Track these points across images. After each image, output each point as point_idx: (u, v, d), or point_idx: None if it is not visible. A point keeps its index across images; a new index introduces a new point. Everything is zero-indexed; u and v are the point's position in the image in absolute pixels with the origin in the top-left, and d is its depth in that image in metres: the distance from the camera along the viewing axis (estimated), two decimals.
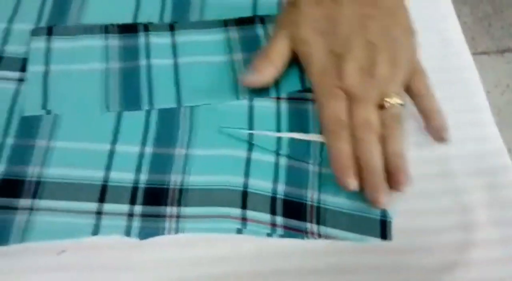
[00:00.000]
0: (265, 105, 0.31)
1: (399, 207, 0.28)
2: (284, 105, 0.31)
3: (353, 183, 0.27)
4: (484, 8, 1.26)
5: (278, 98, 0.32)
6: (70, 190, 0.28)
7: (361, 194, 0.28)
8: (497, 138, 0.32)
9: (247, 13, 0.34)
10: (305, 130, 0.31)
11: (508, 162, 0.31)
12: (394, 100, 0.28)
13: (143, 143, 0.30)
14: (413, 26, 0.31)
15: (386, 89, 0.28)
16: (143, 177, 0.29)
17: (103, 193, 0.28)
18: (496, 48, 1.19)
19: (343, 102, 0.28)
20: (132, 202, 0.28)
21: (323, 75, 0.29)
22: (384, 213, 0.28)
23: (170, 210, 0.28)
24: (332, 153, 0.28)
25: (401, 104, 0.29)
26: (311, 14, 0.30)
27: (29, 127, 0.30)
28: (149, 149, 0.30)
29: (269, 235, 0.28)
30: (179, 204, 0.28)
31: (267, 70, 0.30)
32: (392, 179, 0.27)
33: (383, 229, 0.28)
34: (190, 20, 0.34)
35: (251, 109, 0.31)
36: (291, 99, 0.32)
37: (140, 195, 0.28)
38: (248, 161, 0.30)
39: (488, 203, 0.29)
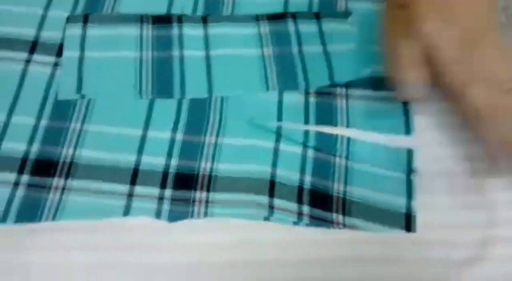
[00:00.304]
0: (293, 98, 0.32)
1: (424, 202, 0.29)
2: (312, 99, 0.32)
3: None
4: None
5: (307, 92, 0.32)
6: (103, 172, 0.29)
7: (387, 188, 0.29)
8: None
9: (278, 10, 0.35)
10: (332, 124, 0.31)
11: None
12: None
13: (174, 130, 0.31)
14: None
15: None
16: (174, 162, 0.30)
17: (134, 176, 0.29)
18: None
19: None
20: (163, 186, 0.29)
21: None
22: (409, 207, 0.29)
23: (199, 195, 0.29)
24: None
25: None
26: None
27: (63, 110, 0.31)
28: (179, 136, 0.30)
29: (295, 223, 0.28)
30: (208, 189, 0.29)
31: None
32: None
33: (408, 223, 0.28)
34: (222, 15, 0.35)
35: (280, 102, 0.32)
36: (319, 93, 0.32)
37: (170, 180, 0.29)
38: (276, 152, 0.30)
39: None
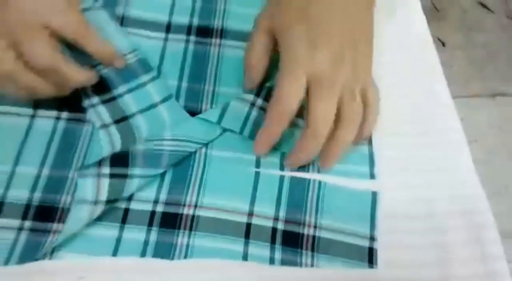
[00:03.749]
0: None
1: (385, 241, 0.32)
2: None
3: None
4: (478, 53, 1.33)
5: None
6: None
7: (354, 227, 0.32)
8: (477, 184, 0.36)
9: None
10: (305, 169, 0.35)
11: (486, 205, 0.35)
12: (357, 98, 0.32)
13: (158, 190, 0.34)
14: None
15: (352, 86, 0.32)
16: (159, 208, 0.33)
17: (124, 217, 0.32)
18: (488, 92, 1.25)
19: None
20: (150, 224, 0.32)
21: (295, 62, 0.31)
22: (372, 242, 0.32)
23: (181, 235, 0.32)
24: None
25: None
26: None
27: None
28: (168, 177, 0.34)
29: (270, 263, 0.32)
30: (191, 228, 0.32)
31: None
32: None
33: (370, 256, 0.32)
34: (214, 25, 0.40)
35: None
36: None
37: (156, 220, 0.32)
38: (254, 190, 0.34)
39: (466, 241, 0.33)
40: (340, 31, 0.31)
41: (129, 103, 0.36)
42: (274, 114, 0.31)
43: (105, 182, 0.31)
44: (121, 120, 0.35)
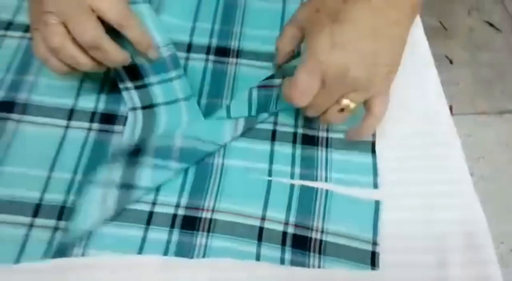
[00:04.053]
0: (284, 153, 0.39)
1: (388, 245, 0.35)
2: (297, 154, 0.39)
3: None
4: (485, 71, 1.36)
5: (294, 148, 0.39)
6: (123, 216, 0.36)
7: (358, 233, 0.35)
8: (478, 207, 0.38)
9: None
10: (313, 179, 0.38)
11: (481, 215, 0.37)
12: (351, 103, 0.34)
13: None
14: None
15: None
16: (180, 212, 0.36)
17: (149, 219, 0.36)
18: (495, 109, 1.27)
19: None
20: (172, 226, 0.35)
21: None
22: (375, 247, 0.35)
23: (200, 236, 0.35)
24: None
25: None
26: None
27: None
28: (189, 180, 0.37)
29: (281, 263, 0.35)
30: (209, 230, 0.35)
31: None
32: None
33: (373, 259, 0.35)
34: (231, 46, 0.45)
35: (272, 152, 0.39)
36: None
37: (177, 222, 0.36)
38: (267, 195, 0.37)
39: (463, 246, 0.36)
40: (364, 40, 0.32)
41: (157, 93, 0.39)
42: (285, 97, 0.35)
43: (119, 167, 0.36)
44: (148, 107, 0.39)
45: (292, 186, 0.38)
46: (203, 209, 0.36)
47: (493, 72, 1.35)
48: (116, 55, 0.35)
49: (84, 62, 0.34)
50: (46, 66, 0.35)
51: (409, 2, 0.34)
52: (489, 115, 1.26)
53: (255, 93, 0.40)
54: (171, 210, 0.36)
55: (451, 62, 1.37)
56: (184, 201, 0.37)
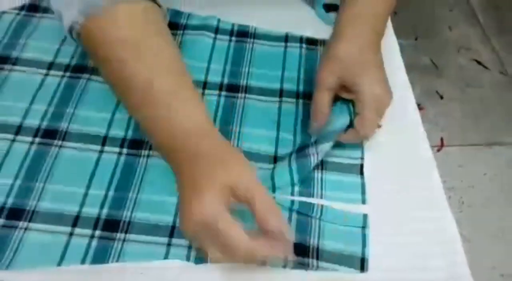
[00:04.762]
0: (284, 176, 0.45)
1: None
2: (296, 177, 0.45)
3: None
4: (474, 105, 1.44)
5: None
6: (149, 228, 0.42)
7: (348, 240, 0.41)
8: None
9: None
10: (310, 195, 0.45)
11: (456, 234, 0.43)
12: None
13: None
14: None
15: None
16: None
17: (172, 231, 0.42)
18: (484, 141, 1.34)
19: None
20: None
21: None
22: (363, 253, 0.41)
23: None
24: None
25: None
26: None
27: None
28: None
29: (283, 267, 0.41)
30: None
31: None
32: None
33: (362, 264, 0.41)
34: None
35: (273, 178, 0.45)
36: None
37: None
38: None
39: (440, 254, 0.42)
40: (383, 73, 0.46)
41: None
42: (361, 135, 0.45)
43: None
44: None
45: (292, 202, 0.44)
46: None
47: (482, 107, 1.44)
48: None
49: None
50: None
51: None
52: (478, 147, 1.33)
53: (294, 164, 0.45)
54: None
55: (441, 97, 1.46)
56: None
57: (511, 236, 1.15)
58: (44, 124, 0.48)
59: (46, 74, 0.52)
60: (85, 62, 0.53)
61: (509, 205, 1.20)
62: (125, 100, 0.42)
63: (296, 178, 0.45)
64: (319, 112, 0.46)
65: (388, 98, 0.45)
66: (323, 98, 0.45)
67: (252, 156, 0.47)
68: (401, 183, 0.46)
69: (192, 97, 0.41)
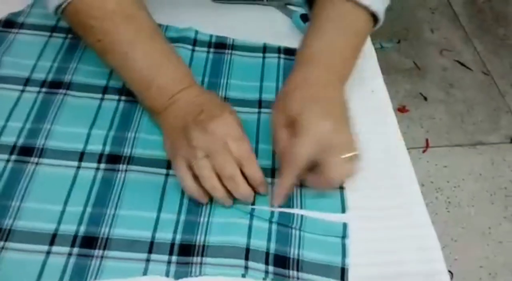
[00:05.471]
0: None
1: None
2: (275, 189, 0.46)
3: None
4: (458, 106, 1.46)
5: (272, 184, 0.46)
6: (127, 244, 0.41)
7: (328, 250, 0.41)
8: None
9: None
10: (290, 206, 0.45)
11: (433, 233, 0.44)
12: None
13: (179, 212, 0.44)
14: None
15: None
16: (178, 236, 0.42)
17: (151, 247, 0.42)
18: (468, 141, 1.36)
19: None
20: (170, 253, 0.41)
21: None
22: (343, 263, 0.41)
23: (196, 259, 0.41)
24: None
25: None
26: None
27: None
28: (182, 217, 0.43)
29: (264, 278, 0.40)
30: (202, 255, 0.41)
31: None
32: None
33: (342, 274, 0.41)
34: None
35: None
36: None
37: (176, 249, 0.42)
38: (250, 227, 0.43)
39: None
40: (333, 113, 0.44)
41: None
42: (289, 168, 0.42)
43: None
44: None
45: (272, 213, 0.44)
46: (196, 240, 0.42)
47: (465, 108, 1.46)
48: (245, 189, 0.43)
49: (220, 191, 0.42)
50: (183, 187, 0.44)
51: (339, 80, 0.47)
52: (463, 147, 1.35)
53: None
54: (169, 240, 0.42)
55: (425, 99, 1.47)
56: (179, 236, 0.42)
57: (498, 234, 1.16)
58: (21, 141, 0.47)
59: (22, 91, 0.51)
60: (61, 78, 0.52)
61: (495, 203, 1.22)
62: (108, 62, 0.49)
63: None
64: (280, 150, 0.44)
65: (336, 134, 0.42)
66: (282, 135, 0.44)
67: None
68: (379, 189, 0.46)
69: (177, 60, 0.49)
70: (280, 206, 0.45)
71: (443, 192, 1.23)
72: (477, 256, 1.12)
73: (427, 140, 1.33)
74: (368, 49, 0.58)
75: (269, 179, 0.47)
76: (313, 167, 0.43)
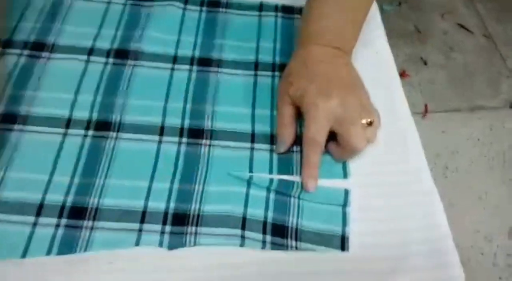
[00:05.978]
0: (262, 154, 0.43)
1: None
2: (275, 155, 0.43)
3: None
4: (458, 71, 1.42)
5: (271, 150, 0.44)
6: (118, 214, 0.39)
7: (328, 218, 0.40)
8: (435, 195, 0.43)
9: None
10: (290, 173, 0.43)
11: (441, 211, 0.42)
12: None
13: (172, 181, 0.41)
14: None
15: None
16: (172, 205, 0.40)
17: (143, 217, 0.40)
18: (467, 106, 1.33)
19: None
20: (164, 223, 0.39)
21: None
22: (344, 232, 0.40)
23: (190, 229, 0.39)
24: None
25: None
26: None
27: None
28: (176, 185, 0.41)
29: (262, 248, 0.39)
30: (197, 224, 0.39)
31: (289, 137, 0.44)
32: None
33: (343, 243, 0.39)
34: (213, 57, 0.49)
35: (251, 157, 0.43)
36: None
37: (169, 218, 0.40)
38: (247, 195, 0.41)
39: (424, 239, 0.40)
40: (340, 85, 0.43)
41: None
42: (310, 147, 0.41)
43: None
44: None
45: (271, 180, 0.42)
46: (190, 213, 0.40)
47: (465, 72, 1.42)
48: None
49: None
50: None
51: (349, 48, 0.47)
52: (462, 112, 1.33)
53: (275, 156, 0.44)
54: (162, 210, 0.40)
55: (425, 63, 1.44)
56: (172, 205, 0.40)
57: (495, 199, 1.16)
58: (1, 108, 0.44)
59: (2, 53, 0.48)
60: (45, 39, 0.49)
61: (492, 169, 1.21)
62: None
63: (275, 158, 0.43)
64: (282, 124, 0.44)
65: (347, 106, 0.41)
66: (285, 111, 0.44)
67: (228, 135, 0.45)
68: (384, 154, 0.44)
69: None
70: (280, 173, 0.43)
71: (441, 158, 1.22)
72: (473, 221, 1.12)
73: (426, 106, 1.31)
74: (373, 12, 0.54)
75: (267, 146, 0.44)
76: (334, 137, 0.43)
